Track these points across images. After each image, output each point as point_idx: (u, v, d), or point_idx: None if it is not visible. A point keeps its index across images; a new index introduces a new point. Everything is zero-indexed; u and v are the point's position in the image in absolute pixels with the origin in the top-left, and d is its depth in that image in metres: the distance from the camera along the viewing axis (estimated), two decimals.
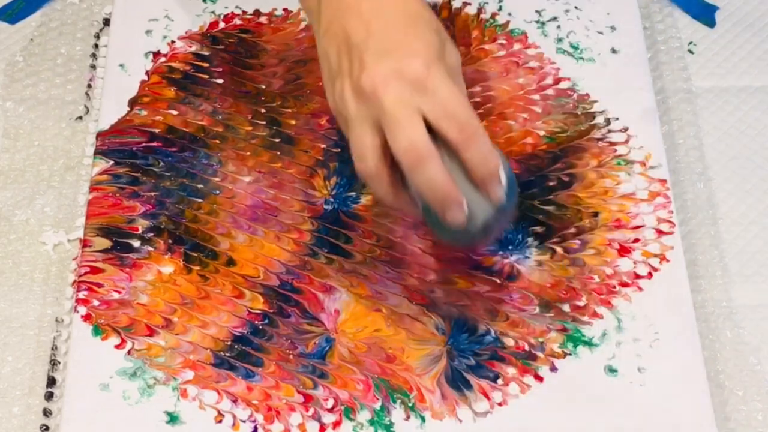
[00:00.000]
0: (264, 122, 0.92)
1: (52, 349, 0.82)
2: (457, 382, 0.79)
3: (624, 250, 0.84)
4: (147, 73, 0.94)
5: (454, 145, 0.69)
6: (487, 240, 0.79)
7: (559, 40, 0.96)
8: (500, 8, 0.98)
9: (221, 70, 0.94)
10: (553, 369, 0.79)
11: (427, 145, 0.68)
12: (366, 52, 0.69)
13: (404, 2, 0.72)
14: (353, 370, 0.79)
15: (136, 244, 0.85)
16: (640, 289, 0.83)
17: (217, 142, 0.90)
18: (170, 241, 0.85)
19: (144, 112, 0.92)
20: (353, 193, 0.88)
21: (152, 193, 0.88)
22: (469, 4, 0.99)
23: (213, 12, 0.98)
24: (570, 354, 0.80)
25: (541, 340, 0.80)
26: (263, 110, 0.92)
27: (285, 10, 0.99)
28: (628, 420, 0.77)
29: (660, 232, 0.85)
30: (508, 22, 0.97)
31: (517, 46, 0.96)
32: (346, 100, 0.70)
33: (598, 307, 0.82)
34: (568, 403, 0.78)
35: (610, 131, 0.91)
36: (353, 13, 0.70)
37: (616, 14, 0.98)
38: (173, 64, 0.95)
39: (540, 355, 0.80)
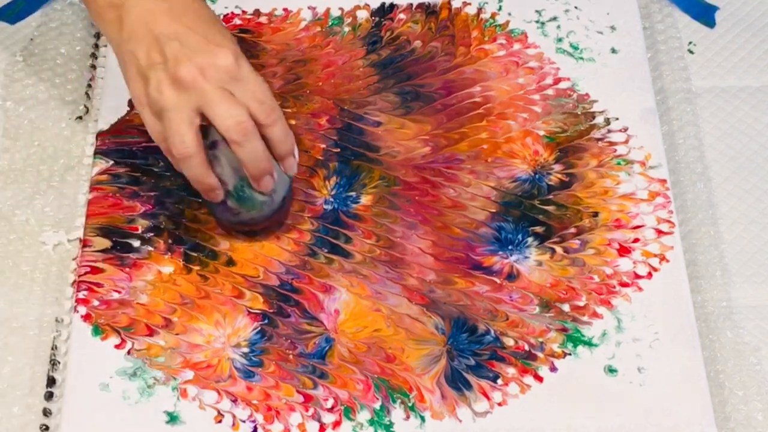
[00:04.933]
0: None
1: (52, 349, 0.82)
2: (456, 382, 0.79)
3: (624, 250, 0.84)
4: None
5: (261, 125, 0.79)
6: (280, 216, 0.85)
7: (559, 40, 0.96)
8: (500, 8, 0.98)
9: None
10: (553, 369, 0.79)
11: (250, 121, 0.78)
12: (180, 48, 0.78)
13: (200, 8, 0.82)
14: (353, 370, 0.79)
15: (136, 244, 0.85)
16: (640, 289, 0.83)
17: None
18: (170, 241, 0.85)
19: None
20: (353, 193, 0.88)
21: (152, 193, 0.88)
22: (469, 4, 0.99)
23: None
24: (570, 354, 0.80)
25: (540, 340, 0.80)
26: None
27: (285, 10, 0.99)
28: (628, 420, 0.77)
29: (660, 232, 0.85)
30: (508, 22, 0.97)
31: (516, 46, 0.96)
32: (164, 91, 0.78)
33: (598, 307, 0.82)
34: (568, 403, 0.78)
35: (609, 131, 0.91)
36: (159, 18, 0.80)
37: (616, 14, 0.98)
38: None
39: (540, 355, 0.80)
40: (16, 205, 0.89)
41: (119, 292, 0.83)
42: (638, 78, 0.94)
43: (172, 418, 0.78)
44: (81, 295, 0.83)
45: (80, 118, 0.94)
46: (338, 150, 0.90)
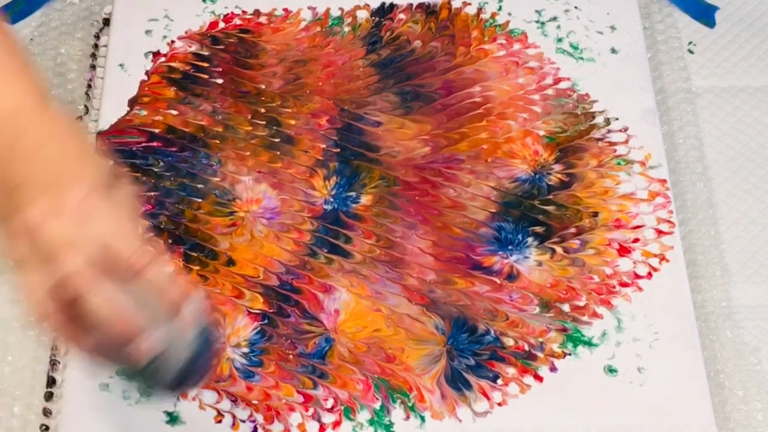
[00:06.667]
0: (264, 122, 0.92)
1: (52, 349, 0.82)
2: (456, 382, 0.79)
3: (624, 250, 0.84)
4: (147, 73, 0.94)
5: (128, 275, 0.63)
6: (192, 381, 0.68)
7: (559, 40, 0.96)
8: (500, 8, 0.98)
9: (221, 70, 0.94)
10: (553, 369, 0.79)
11: (86, 275, 0.62)
12: (24, 193, 0.63)
13: (67, 140, 0.66)
14: (353, 370, 0.79)
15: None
16: (640, 289, 0.83)
17: (217, 142, 0.90)
18: (170, 241, 0.85)
19: (144, 112, 0.92)
20: (353, 193, 0.88)
21: (152, 193, 0.88)
22: (469, 4, 0.99)
23: (213, 12, 0.98)
24: (570, 354, 0.80)
25: (540, 340, 0.80)
26: (263, 110, 0.92)
27: (285, 10, 0.99)
28: (628, 420, 0.77)
29: (660, 232, 0.85)
30: (508, 22, 0.97)
31: (516, 46, 0.96)
32: (9, 246, 0.64)
33: (598, 307, 0.82)
34: (568, 403, 0.78)
35: (610, 131, 0.91)
36: (14, 155, 0.64)
37: (616, 14, 0.98)
38: (173, 64, 0.95)
39: (540, 355, 0.80)
40: None
41: None
42: (638, 78, 0.94)
43: (172, 418, 0.78)
44: None
45: (80, 118, 0.94)
46: (338, 150, 0.90)
